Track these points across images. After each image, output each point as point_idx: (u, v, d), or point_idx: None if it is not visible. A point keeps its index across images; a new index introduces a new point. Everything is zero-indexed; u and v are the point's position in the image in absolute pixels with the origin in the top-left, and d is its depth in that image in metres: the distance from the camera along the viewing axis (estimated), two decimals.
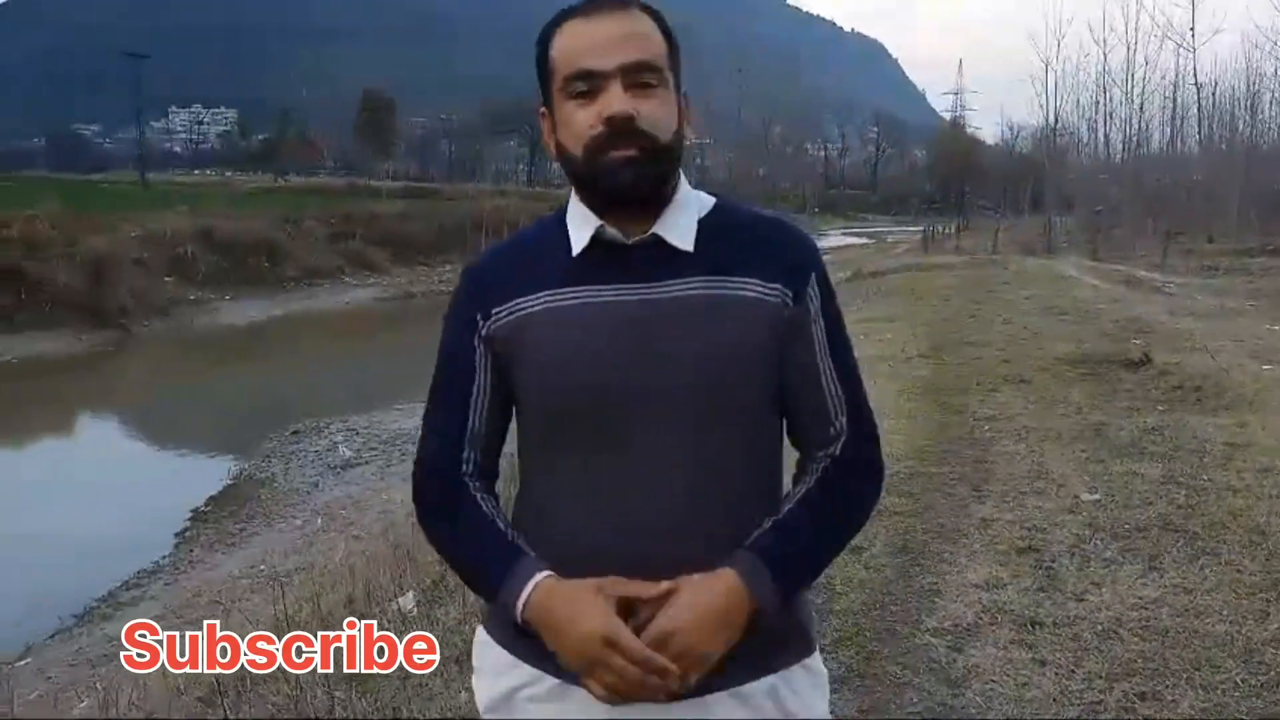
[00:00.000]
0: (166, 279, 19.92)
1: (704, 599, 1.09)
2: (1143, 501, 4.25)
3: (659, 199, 1.17)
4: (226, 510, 8.02)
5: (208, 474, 9.13)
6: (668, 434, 1.14)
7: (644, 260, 1.16)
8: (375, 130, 44.55)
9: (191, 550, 7.12)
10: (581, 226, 1.18)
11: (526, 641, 1.16)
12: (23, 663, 5.16)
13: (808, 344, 1.20)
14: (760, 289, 1.17)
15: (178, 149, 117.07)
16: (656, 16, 1.19)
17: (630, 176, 1.12)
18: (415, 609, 3.81)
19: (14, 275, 15.36)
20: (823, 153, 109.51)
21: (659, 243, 1.17)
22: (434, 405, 1.25)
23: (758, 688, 1.17)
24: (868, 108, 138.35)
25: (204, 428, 11.86)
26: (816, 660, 1.25)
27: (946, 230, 39.46)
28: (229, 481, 8.86)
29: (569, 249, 1.18)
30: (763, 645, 1.15)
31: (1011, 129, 72.77)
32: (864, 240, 49.39)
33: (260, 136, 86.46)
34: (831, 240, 46.36)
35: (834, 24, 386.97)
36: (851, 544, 3.68)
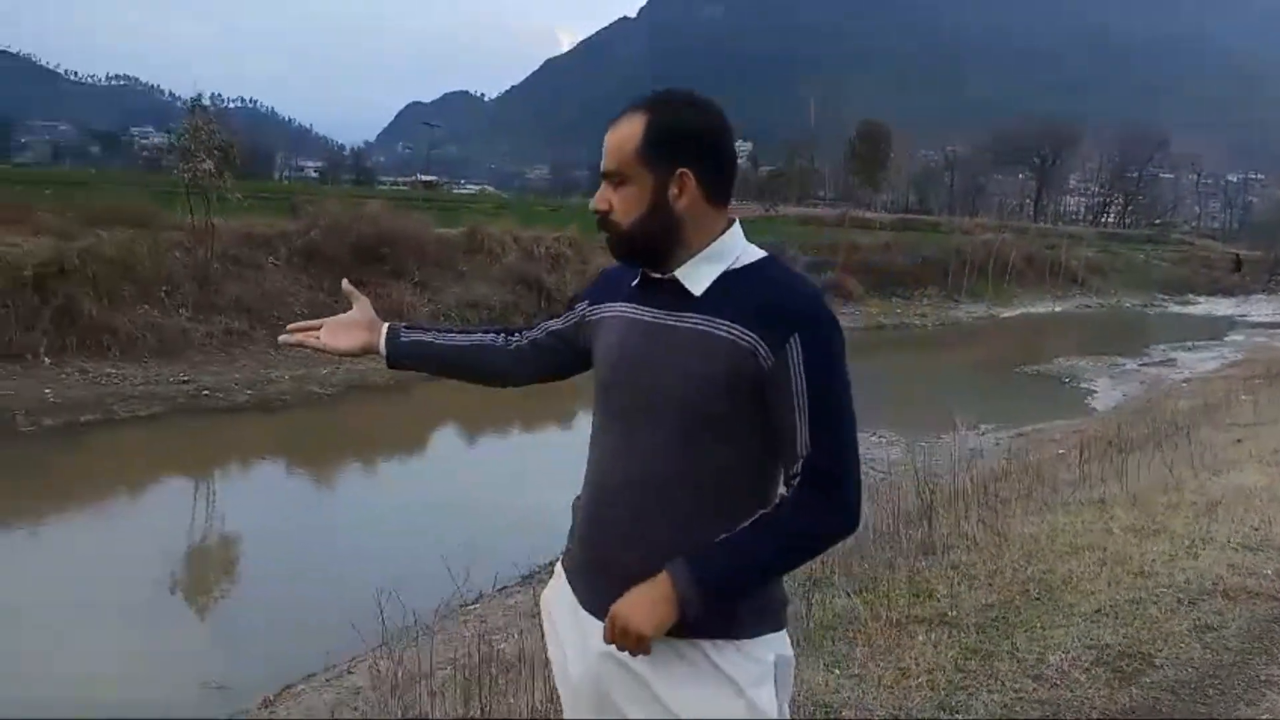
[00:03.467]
0: None
1: (642, 590, 1.43)
2: None
3: (664, 254, 1.53)
4: None
5: None
6: (652, 425, 1.50)
7: (667, 294, 1.53)
8: (868, 161, 45.20)
9: None
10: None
11: (564, 561, 1.66)
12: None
13: (784, 394, 1.44)
14: (739, 333, 1.45)
15: None
16: (656, 111, 1.51)
17: (616, 255, 1.58)
18: None
19: (537, 286, 18.13)
20: None
21: (677, 284, 1.52)
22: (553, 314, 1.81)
23: (682, 646, 1.47)
24: None
25: None
26: (755, 644, 1.49)
27: None
28: None
29: (636, 277, 1.60)
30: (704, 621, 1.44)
31: None
32: None
33: (767, 168, 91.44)
34: None
35: None
36: (1199, 621, 3.52)
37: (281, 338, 1.83)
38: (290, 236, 15.82)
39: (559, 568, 1.69)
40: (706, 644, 1.46)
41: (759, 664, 1.48)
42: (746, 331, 1.45)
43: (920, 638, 3.18)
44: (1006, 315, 30.47)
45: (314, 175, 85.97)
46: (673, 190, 1.49)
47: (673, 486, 1.48)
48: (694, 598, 1.40)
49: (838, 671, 3.01)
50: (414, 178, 75.32)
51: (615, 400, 1.55)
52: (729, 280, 1.50)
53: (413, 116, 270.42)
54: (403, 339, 1.78)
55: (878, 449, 10.83)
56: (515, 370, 1.79)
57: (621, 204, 1.52)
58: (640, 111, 1.51)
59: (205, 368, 12.57)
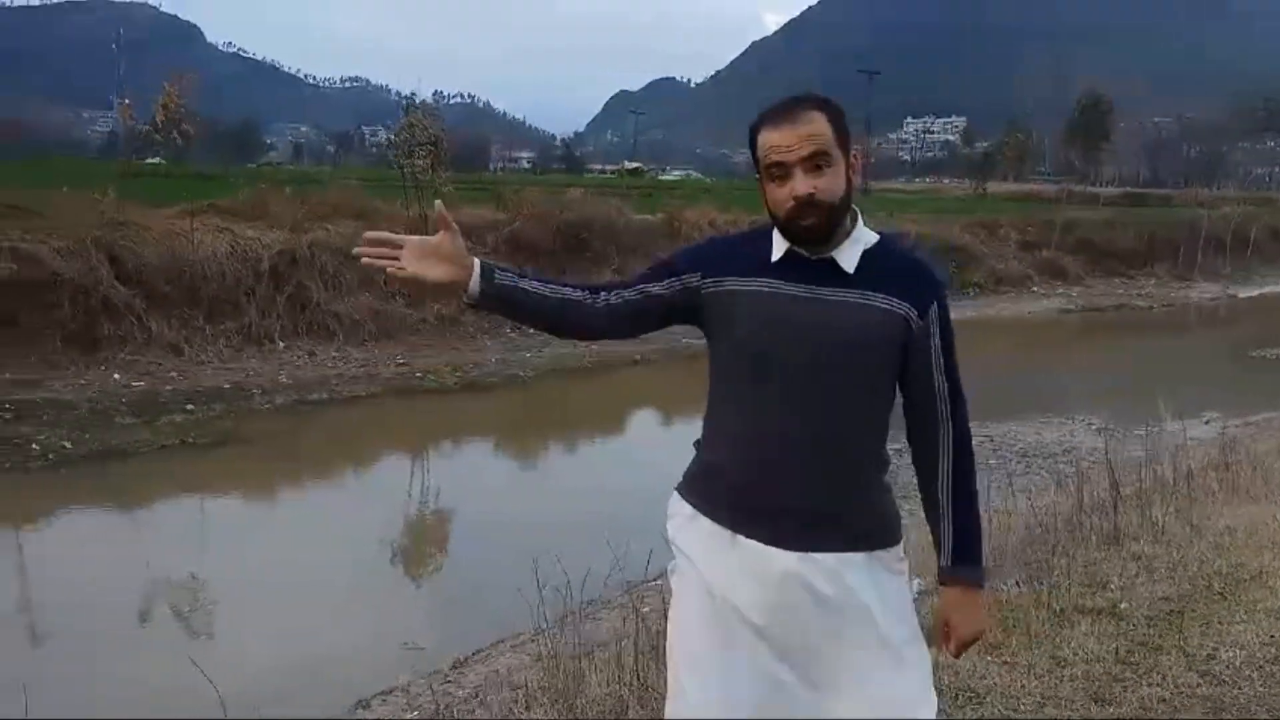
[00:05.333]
0: None
1: (960, 609, 1.81)
2: None
3: (834, 236, 1.75)
4: None
5: None
6: (808, 388, 1.72)
7: (821, 272, 1.74)
8: (1090, 133, 42.39)
9: None
10: (779, 244, 1.78)
11: (702, 500, 1.82)
12: None
13: (925, 349, 1.76)
14: (894, 304, 1.73)
15: (906, 158, 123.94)
16: (827, 108, 1.73)
17: (811, 235, 1.73)
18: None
19: None
20: None
21: (833, 263, 1.74)
22: (641, 271, 1.92)
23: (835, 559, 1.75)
24: None
25: None
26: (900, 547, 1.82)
27: None
28: None
29: (769, 255, 1.78)
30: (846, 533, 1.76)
31: None
32: None
33: (983, 144, 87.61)
34: None
35: None
36: None
37: (357, 251, 1.74)
38: (498, 226, 16.57)
39: (684, 506, 1.86)
40: (879, 552, 1.78)
41: (903, 560, 1.82)
42: (901, 302, 1.73)
43: (1083, 627, 3.08)
44: (1245, 295, 27.93)
45: (526, 166, 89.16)
46: (851, 169, 1.74)
47: (842, 436, 1.73)
48: (982, 576, 1.83)
49: (989, 658, 2.96)
50: (620, 165, 76.81)
51: (773, 365, 1.73)
52: (869, 259, 1.75)
53: (621, 105, 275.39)
54: (497, 279, 1.75)
55: (1080, 436, 10.30)
56: (599, 326, 1.86)
57: (829, 185, 1.70)
58: (814, 107, 1.73)
59: (419, 351, 13.41)
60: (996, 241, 26.04)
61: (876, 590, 1.75)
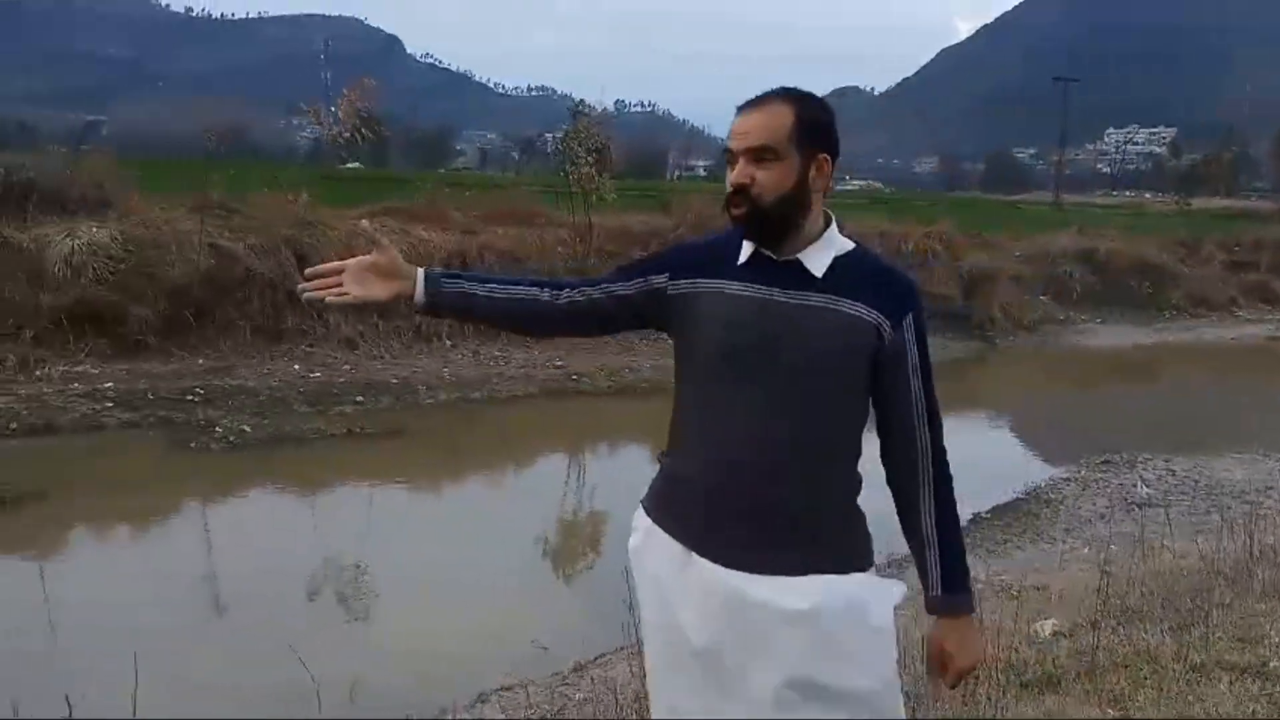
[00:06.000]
0: (1041, 297, 20.67)
1: (952, 637, 1.73)
2: None
3: (775, 233, 1.69)
4: (1003, 520, 8.40)
5: (1004, 483, 9.59)
6: (769, 393, 1.67)
7: (787, 275, 1.70)
8: None
9: None
10: (747, 246, 1.74)
11: (660, 514, 1.80)
12: None
13: (900, 363, 1.69)
14: (864, 311, 1.67)
15: (1106, 170, 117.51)
16: (800, 105, 1.68)
17: (743, 226, 1.70)
18: (1050, 635, 3.86)
19: None
20: None
21: (799, 265, 1.70)
22: (611, 271, 1.91)
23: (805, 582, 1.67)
24: None
25: (1031, 439, 12.33)
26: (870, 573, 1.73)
27: None
28: (1019, 495, 9.22)
29: (738, 257, 1.73)
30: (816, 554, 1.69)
31: None
32: None
33: (1191, 157, 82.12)
34: None
35: None
36: None
37: (300, 289, 1.76)
38: (662, 232, 16.70)
39: (645, 519, 1.84)
40: (849, 576, 1.71)
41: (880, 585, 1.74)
42: (871, 310, 1.67)
43: (1222, 685, 2.80)
44: None
45: (702, 174, 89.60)
46: (812, 173, 1.68)
47: (802, 443, 1.67)
48: (973, 603, 1.75)
49: (1111, 711, 2.73)
50: None
51: (740, 368, 1.68)
52: (841, 265, 1.70)
53: None
54: (445, 288, 1.75)
55: (1278, 477, 9.45)
56: (557, 323, 1.84)
57: (768, 180, 1.65)
58: (783, 100, 1.68)
59: (576, 354, 13.66)
60: (1199, 261, 24.31)
61: (833, 620, 1.65)
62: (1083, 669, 3.00)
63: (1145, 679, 2.91)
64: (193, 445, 9.14)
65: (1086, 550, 7.50)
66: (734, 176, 1.67)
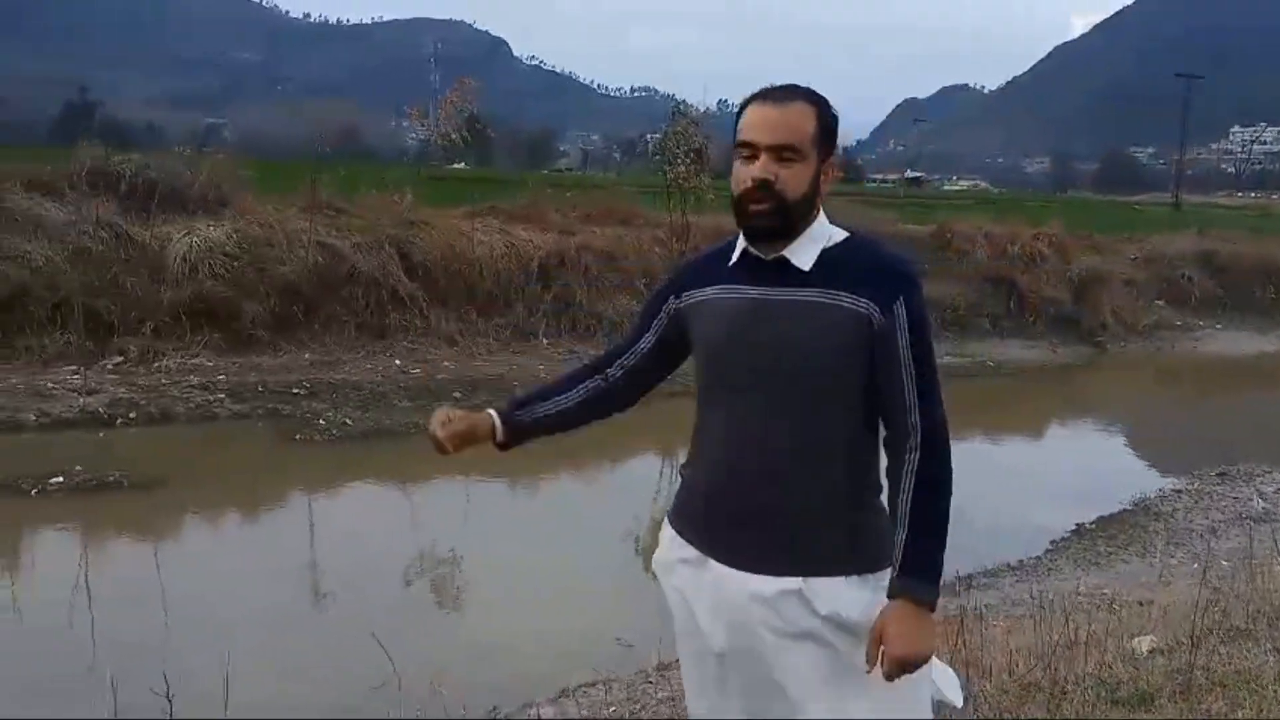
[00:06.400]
0: (1157, 302, 19.88)
1: (899, 625, 1.60)
2: None
3: (788, 233, 1.69)
4: (1107, 532, 8.11)
5: (1112, 494, 9.26)
6: (763, 392, 1.68)
7: (774, 272, 1.70)
8: None
9: (1055, 559, 7.49)
10: (739, 246, 1.77)
11: (679, 523, 1.83)
12: None
13: (892, 351, 1.64)
14: (850, 301, 1.64)
15: (1230, 170, 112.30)
16: (819, 106, 1.69)
17: (761, 223, 1.69)
18: (1147, 652, 3.71)
19: (1007, 286, 17.23)
20: None
21: (786, 262, 1.70)
22: (636, 319, 1.99)
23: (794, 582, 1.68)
24: None
25: (1143, 449, 11.87)
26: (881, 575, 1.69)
27: None
28: (1126, 506, 8.89)
29: (730, 261, 1.77)
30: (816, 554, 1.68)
31: None
32: None
33: None
34: None
35: None
36: None
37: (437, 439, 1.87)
38: None
39: (668, 529, 1.87)
40: (851, 579, 1.69)
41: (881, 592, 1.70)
42: (859, 298, 1.65)
43: None
44: None
45: None
46: (823, 174, 1.70)
47: (805, 443, 1.67)
48: (934, 594, 1.63)
49: None
50: (901, 175, 74.77)
51: (734, 371, 1.71)
52: (829, 256, 1.69)
53: (907, 113, 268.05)
54: (516, 423, 1.91)
55: None
56: (633, 396, 1.98)
57: (791, 178, 1.66)
58: (806, 101, 1.68)
59: None
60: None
61: (846, 619, 1.66)
62: (1178, 688, 2.88)
63: (1243, 700, 2.77)
64: (297, 437, 9.46)
65: (1195, 566, 7.19)
66: (757, 170, 1.65)
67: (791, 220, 1.68)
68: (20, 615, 5.55)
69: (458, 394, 11.13)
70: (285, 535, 7.43)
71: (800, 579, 1.67)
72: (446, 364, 12.42)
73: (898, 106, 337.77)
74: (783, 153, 1.65)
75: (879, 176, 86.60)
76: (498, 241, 13.95)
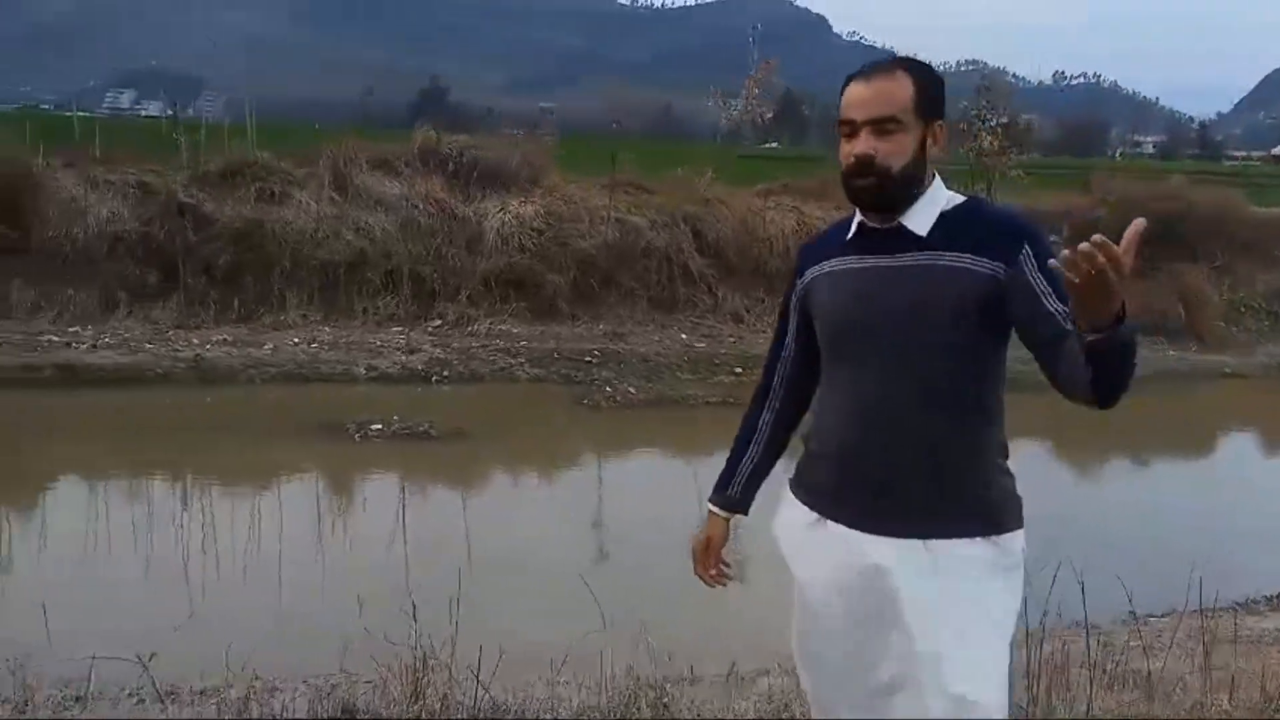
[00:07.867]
0: None
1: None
2: None
3: (903, 201, 1.70)
4: None
5: None
6: (884, 358, 1.70)
7: (889, 240, 1.72)
8: None
9: None
10: (856, 218, 1.79)
11: (798, 490, 1.88)
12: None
13: (1029, 294, 1.60)
14: (971, 262, 1.65)
15: None
16: (917, 73, 1.70)
17: (866, 197, 1.72)
18: None
19: None
20: None
21: (902, 228, 1.71)
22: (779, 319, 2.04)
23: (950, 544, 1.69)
24: None
25: None
26: (1010, 538, 1.71)
27: None
28: None
29: (848, 235, 1.80)
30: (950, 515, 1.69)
31: None
32: None
33: None
34: None
35: None
36: None
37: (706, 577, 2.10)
38: (1074, 212, 15.44)
39: (788, 494, 1.90)
40: (974, 540, 1.68)
41: (1012, 554, 1.71)
42: (979, 258, 1.65)
43: None
44: None
45: (1150, 151, 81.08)
46: (930, 139, 1.70)
47: (927, 403, 1.68)
48: (1131, 334, 1.43)
49: None
50: (1268, 152, 66.36)
51: (855, 340, 1.74)
52: (946, 220, 1.69)
53: (1278, 84, 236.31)
54: (740, 498, 2.02)
55: None
56: (799, 414, 2.01)
57: (892, 150, 1.67)
58: (901, 70, 1.70)
59: None
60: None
61: (963, 580, 1.66)
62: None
63: None
64: (585, 402, 10.05)
65: None
66: (858, 148, 1.68)
67: (898, 190, 1.69)
68: (349, 547, 6.27)
69: (739, 369, 11.30)
70: (570, 493, 7.89)
71: (922, 540, 1.69)
72: (730, 339, 12.63)
73: (1268, 76, 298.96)
74: (882, 125, 1.66)
75: (1240, 154, 77.49)
76: (789, 220, 13.95)
